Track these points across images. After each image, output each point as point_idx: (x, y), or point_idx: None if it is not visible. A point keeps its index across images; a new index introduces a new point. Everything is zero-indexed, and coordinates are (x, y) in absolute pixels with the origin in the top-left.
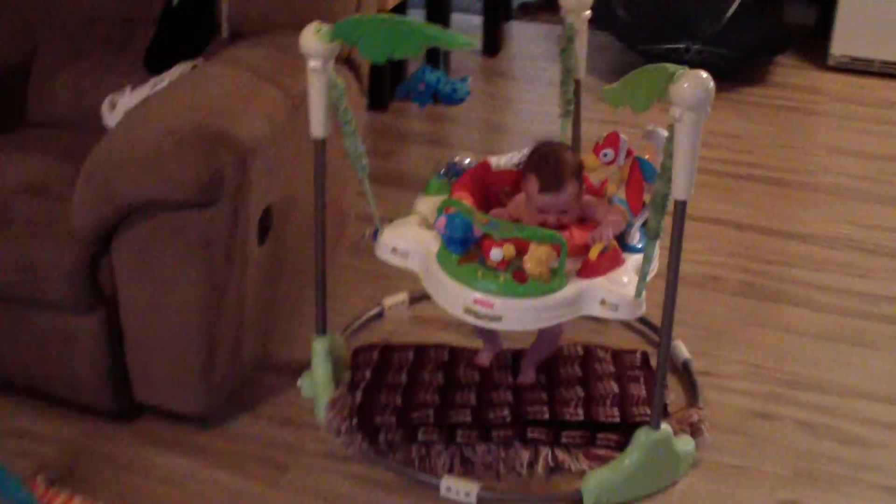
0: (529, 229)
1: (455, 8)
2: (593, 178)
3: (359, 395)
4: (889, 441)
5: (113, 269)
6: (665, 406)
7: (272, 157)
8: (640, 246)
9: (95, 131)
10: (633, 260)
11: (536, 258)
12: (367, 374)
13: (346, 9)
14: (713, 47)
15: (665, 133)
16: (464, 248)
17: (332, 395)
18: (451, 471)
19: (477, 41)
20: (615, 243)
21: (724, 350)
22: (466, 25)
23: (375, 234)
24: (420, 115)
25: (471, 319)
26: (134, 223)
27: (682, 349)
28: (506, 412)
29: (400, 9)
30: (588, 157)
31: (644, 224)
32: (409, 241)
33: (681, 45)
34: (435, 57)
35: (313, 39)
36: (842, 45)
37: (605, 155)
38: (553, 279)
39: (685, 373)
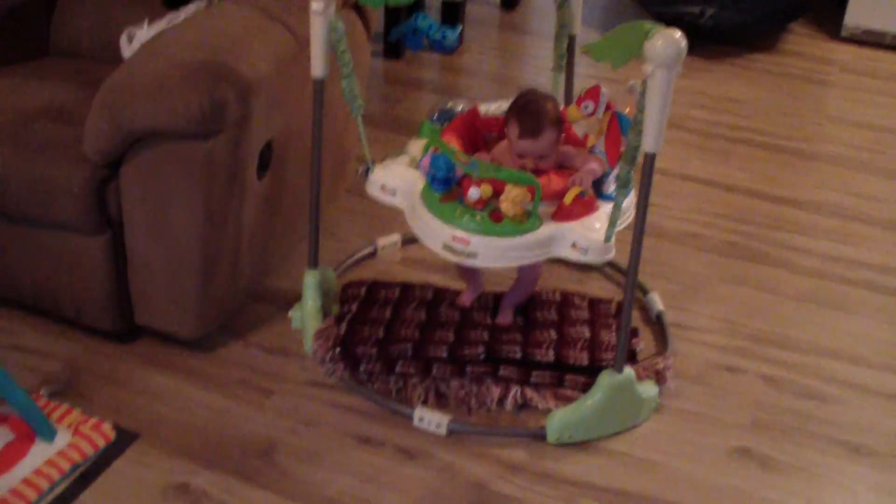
0: (506, 171)
1: None
2: (577, 130)
3: (343, 327)
4: (847, 398)
5: (120, 193)
6: (634, 353)
7: (275, 94)
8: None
9: (114, 62)
10: (608, 207)
11: (511, 199)
12: (354, 307)
13: None
14: (727, 12)
15: None
16: (446, 186)
17: (319, 326)
18: (425, 402)
19: None
20: (591, 190)
21: (700, 305)
22: None
23: (367, 172)
24: (433, 65)
25: (448, 255)
26: (141, 150)
27: (656, 301)
28: (480, 350)
29: None
30: (571, 109)
31: None
32: (397, 179)
33: (695, 9)
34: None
35: None
36: (856, 16)
37: (586, 107)
38: (527, 220)
39: (658, 324)
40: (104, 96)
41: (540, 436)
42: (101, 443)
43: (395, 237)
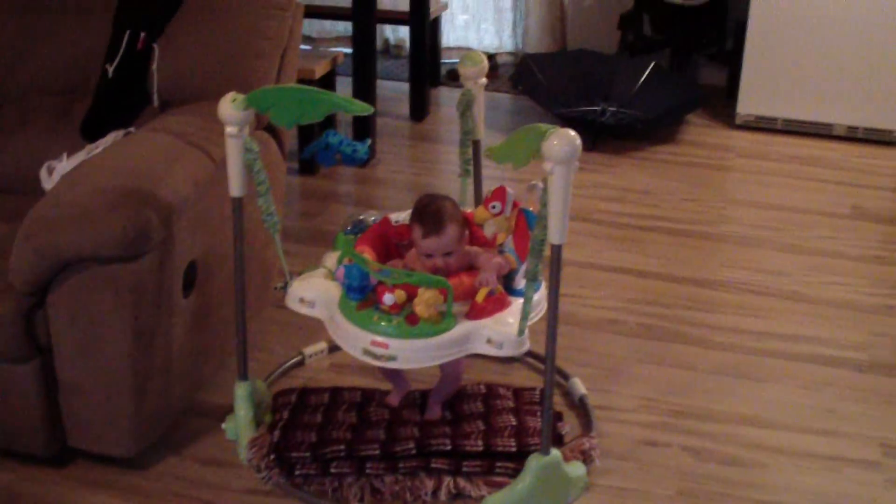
0: (418, 275)
1: (384, 76)
2: (487, 229)
3: (276, 434)
4: (767, 461)
5: (48, 319)
6: (561, 437)
7: (195, 215)
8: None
9: (36, 195)
10: (519, 303)
11: (425, 301)
12: (285, 414)
13: (265, 80)
14: (628, 109)
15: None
16: (361, 294)
17: (252, 435)
18: (361, 500)
19: (372, 108)
20: (500, 287)
21: (621, 386)
22: (395, 92)
23: (286, 287)
24: (348, 179)
25: (369, 360)
26: (67, 277)
27: (579, 386)
28: (411, 445)
29: (329, 77)
30: (479, 210)
31: None
32: (315, 292)
33: (597, 108)
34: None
35: (229, 108)
36: (747, 105)
37: (494, 207)
38: (442, 321)
39: (582, 407)
40: (28, 227)
41: None
42: None
43: (322, 345)
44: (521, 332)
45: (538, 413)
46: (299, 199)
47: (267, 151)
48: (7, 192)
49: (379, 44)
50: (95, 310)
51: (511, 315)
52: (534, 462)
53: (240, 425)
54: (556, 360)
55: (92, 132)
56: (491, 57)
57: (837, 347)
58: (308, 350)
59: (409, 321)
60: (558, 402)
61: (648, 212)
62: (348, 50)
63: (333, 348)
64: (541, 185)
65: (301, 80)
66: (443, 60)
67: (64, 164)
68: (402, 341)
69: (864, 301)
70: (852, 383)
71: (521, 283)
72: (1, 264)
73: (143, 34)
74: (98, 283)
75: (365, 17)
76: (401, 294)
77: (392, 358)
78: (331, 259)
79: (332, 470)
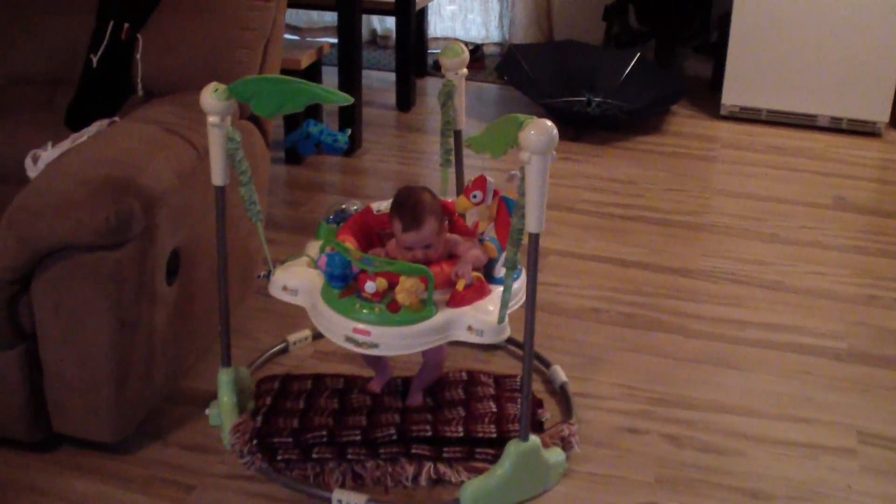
0: (398, 263)
1: (371, 66)
2: (469, 219)
3: (259, 420)
4: (744, 449)
5: (32, 306)
6: (541, 423)
7: (178, 204)
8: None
9: (21, 183)
10: (499, 291)
11: (406, 289)
12: (268, 400)
13: (249, 70)
14: (612, 100)
15: None
16: (344, 283)
17: (235, 421)
18: (343, 485)
19: (351, 98)
20: (480, 276)
21: (601, 374)
22: (382, 82)
23: (269, 275)
24: (334, 168)
25: (351, 347)
26: (50, 264)
27: (559, 373)
28: (392, 431)
29: (314, 67)
30: (461, 200)
31: None
32: (298, 280)
33: (582, 99)
34: (317, 112)
35: (211, 98)
36: (732, 95)
37: (475, 196)
38: (424, 308)
39: (562, 394)
40: (11, 216)
41: None
42: None
43: (306, 332)
44: (501, 319)
45: (518, 400)
46: (285, 189)
47: (251, 141)
48: None
49: (366, 34)
50: (78, 298)
51: (491, 303)
52: (513, 448)
53: (223, 411)
54: (537, 349)
55: (76, 121)
56: (477, 47)
57: (816, 336)
58: (292, 337)
59: (390, 309)
60: (539, 389)
61: (632, 202)
62: (335, 40)
63: (317, 336)
64: (520, 174)
65: (287, 71)
66: (430, 51)
67: (49, 153)
68: (384, 329)
69: (844, 291)
70: (830, 372)
71: (500, 271)
72: None
73: (126, 25)
74: (80, 272)
75: (350, 7)
76: (382, 282)
77: (374, 345)
78: (313, 248)
79: (314, 455)
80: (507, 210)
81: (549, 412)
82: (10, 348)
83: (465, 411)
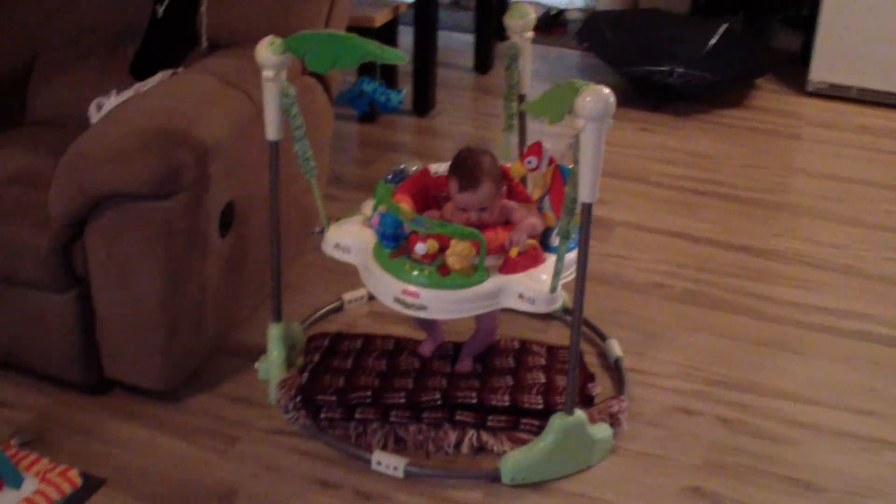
0: (450, 226)
1: (450, 27)
2: (529, 186)
3: (305, 377)
4: (800, 438)
5: (85, 252)
6: (591, 398)
7: (234, 157)
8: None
9: (85, 130)
10: (553, 260)
11: (457, 253)
12: (316, 357)
13: (313, 25)
14: (695, 70)
15: None
16: (395, 243)
17: (283, 376)
18: (384, 447)
19: (405, 56)
20: (534, 243)
21: (659, 351)
22: (461, 44)
23: (322, 232)
24: (407, 128)
25: (400, 308)
26: (103, 212)
27: (615, 347)
28: (437, 396)
29: (390, 26)
30: (515, 165)
31: None
32: (351, 238)
33: (664, 68)
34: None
35: (266, 51)
36: (821, 71)
37: (530, 162)
38: (474, 273)
39: (616, 369)
40: (67, 162)
41: (495, 478)
42: (68, 489)
43: (362, 292)
44: (553, 289)
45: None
46: (356, 147)
47: (312, 97)
48: (58, 125)
49: None
50: (129, 246)
51: (545, 272)
52: (557, 421)
53: (271, 366)
54: (596, 321)
55: (141, 71)
56: (561, 12)
57: (887, 325)
58: (347, 296)
59: (440, 272)
60: (593, 362)
61: (707, 176)
62: None
63: (373, 296)
64: (575, 142)
65: (360, 29)
66: None
67: (112, 101)
68: (433, 291)
69: None
70: None
71: (556, 240)
72: (43, 196)
73: None
74: (131, 221)
75: None
76: (433, 244)
77: (422, 307)
78: (369, 207)
79: (357, 415)
80: (562, 178)
81: (602, 387)
82: (66, 291)
83: (514, 380)
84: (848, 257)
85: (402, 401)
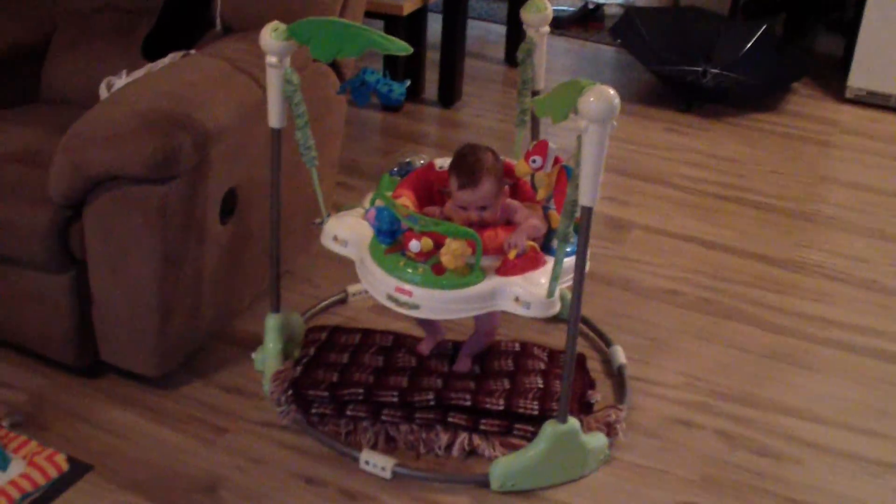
0: (445, 224)
1: (484, 17)
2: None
3: (298, 370)
4: (803, 457)
5: (83, 234)
6: (590, 405)
7: (237, 143)
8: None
9: None
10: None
11: (451, 252)
12: (312, 351)
13: (328, 12)
14: (730, 72)
15: None
16: (391, 238)
17: (277, 368)
18: (374, 446)
19: (410, 48)
20: (534, 245)
21: (665, 360)
22: (494, 35)
23: (322, 224)
24: (431, 119)
25: (392, 306)
26: (101, 193)
27: (619, 354)
28: (430, 396)
29: (419, 14)
30: (520, 163)
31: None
32: (349, 231)
33: (698, 69)
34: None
35: (270, 37)
36: (860, 77)
37: (534, 161)
38: (470, 273)
39: (619, 377)
40: (67, 141)
41: (483, 483)
42: (54, 473)
43: None
44: (550, 293)
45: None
46: (378, 136)
47: (324, 84)
48: (68, 103)
49: None
50: (125, 229)
51: (544, 275)
52: (549, 428)
53: (267, 357)
54: (602, 326)
55: (152, 52)
56: (598, 7)
57: None
58: (352, 288)
59: (435, 270)
60: (596, 368)
61: (732, 181)
62: None
63: None
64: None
65: (388, 17)
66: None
67: (122, 81)
68: (426, 290)
69: None
70: None
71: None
72: (44, 175)
73: None
74: (128, 203)
75: None
76: (427, 242)
77: (415, 306)
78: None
79: (348, 412)
80: (567, 179)
81: (602, 394)
82: (62, 272)
83: (511, 384)
84: (870, 271)
85: (395, 399)
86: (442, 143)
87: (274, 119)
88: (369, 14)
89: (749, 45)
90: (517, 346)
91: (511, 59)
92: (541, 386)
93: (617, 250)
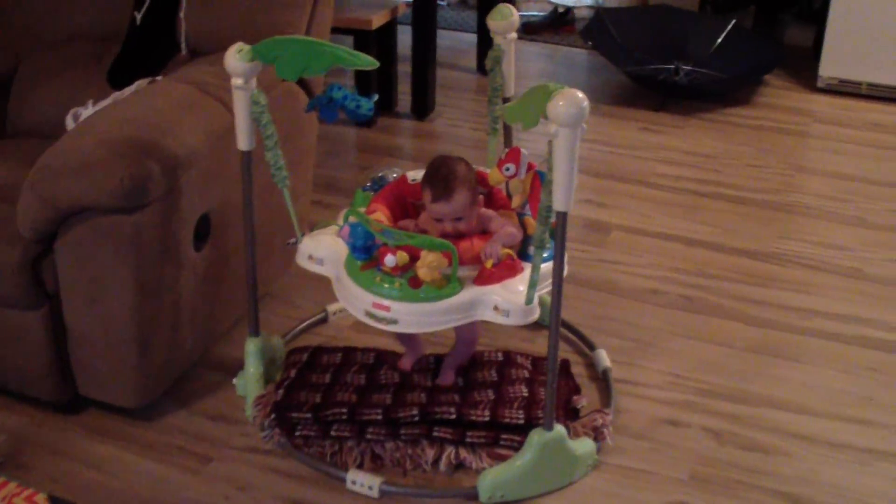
0: (420, 237)
1: (455, 27)
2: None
3: (280, 393)
4: (792, 450)
5: (55, 268)
6: (577, 411)
7: (208, 168)
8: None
9: None
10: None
11: (427, 264)
12: (293, 373)
13: (294, 31)
14: (703, 69)
15: None
16: (367, 254)
17: (259, 392)
18: (361, 466)
19: (377, 62)
20: (511, 253)
21: (650, 360)
22: (465, 44)
23: (296, 243)
24: (406, 132)
25: (371, 322)
26: (72, 226)
27: (603, 357)
28: (415, 412)
29: (388, 27)
30: (493, 172)
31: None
32: (324, 249)
33: (670, 66)
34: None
35: (235, 59)
36: (830, 67)
37: (507, 169)
38: (447, 285)
39: (604, 380)
40: (34, 175)
41: (472, 496)
42: None
43: None
44: (529, 300)
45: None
46: (354, 151)
47: (293, 104)
48: (37, 136)
49: None
50: (99, 260)
51: (522, 282)
52: (535, 437)
53: (249, 382)
54: (585, 329)
55: (119, 79)
56: (568, 10)
57: (886, 329)
58: (332, 307)
59: (411, 284)
60: (580, 373)
61: (709, 177)
62: None
63: None
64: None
65: (357, 31)
66: (519, 13)
67: (89, 111)
68: (404, 304)
69: None
70: None
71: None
72: (13, 210)
73: None
74: (100, 234)
75: None
76: (403, 256)
77: (393, 321)
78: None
79: (333, 433)
80: (541, 184)
81: (588, 399)
82: (35, 308)
83: (495, 394)
84: (852, 260)
85: (379, 417)
86: (418, 156)
87: (242, 141)
88: (338, 30)
89: (720, 39)
90: (500, 356)
91: (483, 68)
92: (526, 394)
93: (597, 253)
